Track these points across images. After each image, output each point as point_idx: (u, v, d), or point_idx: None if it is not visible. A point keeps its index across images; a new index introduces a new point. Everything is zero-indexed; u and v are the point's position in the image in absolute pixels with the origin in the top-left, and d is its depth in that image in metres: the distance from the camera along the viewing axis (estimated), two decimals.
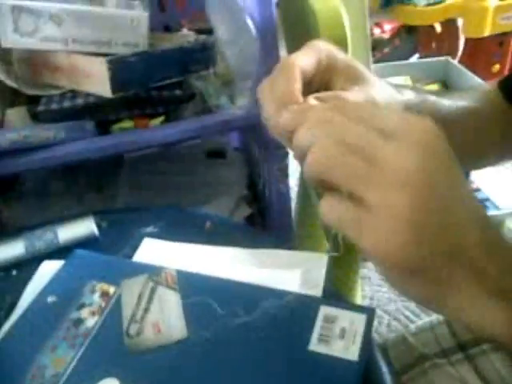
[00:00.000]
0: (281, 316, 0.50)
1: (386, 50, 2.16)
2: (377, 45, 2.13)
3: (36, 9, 0.72)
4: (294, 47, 0.39)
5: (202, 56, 0.81)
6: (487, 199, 1.57)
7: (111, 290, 0.54)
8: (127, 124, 0.80)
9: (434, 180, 0.27)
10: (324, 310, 0.50)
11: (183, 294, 0.53)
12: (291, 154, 0.34)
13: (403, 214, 0.27)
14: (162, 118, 0.82)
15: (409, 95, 0.46)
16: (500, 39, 1.92)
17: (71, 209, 0.95)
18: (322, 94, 0.37)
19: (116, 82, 0.72)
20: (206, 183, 1.04)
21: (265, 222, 1.04)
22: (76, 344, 0.49)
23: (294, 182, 1.16)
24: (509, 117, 0.52)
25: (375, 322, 0.57)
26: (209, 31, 0.84)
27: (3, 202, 0.98)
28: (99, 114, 0.79)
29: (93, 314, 0.52)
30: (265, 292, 0.53)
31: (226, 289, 0.54)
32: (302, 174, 0.95)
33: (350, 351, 0.46)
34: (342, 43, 0.79)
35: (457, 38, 1.99)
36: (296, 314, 0.50)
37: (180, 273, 0.55)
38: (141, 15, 0.79)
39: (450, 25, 1.96)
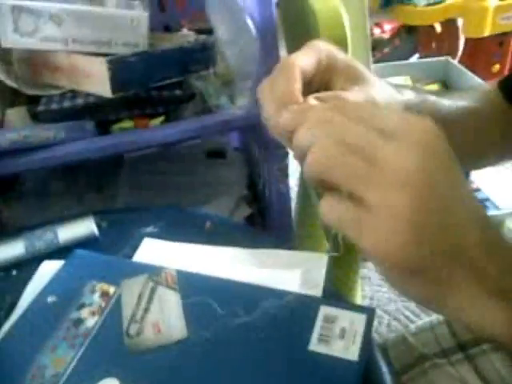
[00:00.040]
0: (281, 316, 0.50)
1: (386, 50, 2.16)
2: (377, 45, 2.13)
3: (36, 9, 0.72)
4: (294, 47, 0.39)
5: (201, 56, 0.81)
6: (487, 199, 1.57)
7: (111, 289, 0.54)
8: (127, 124, 0.80)
9: (433, 180, 0.27)
10: (324, 310, 0.50)
11: (183, 294, 0.53)
12: (291, 154, 0.34)
13: (403, 214, 0.27)
14: (161, 118, 0.82)
15: (409, 95, 0.46)
16: (500, 39, 1.92)
17: (71, 209, 0.95)
18: (321, 94, 0.37)
19: (116, 81, 0.72)
20: (206, 183, 1.04)
21: (265, 222, 1.04)
22: (76, 344, 0.49)
23: (294, 181, 1.16)
24: (509, 117, 0.52)
25: (375, 322, 0.57)
26: (209, 31, 0.84)
27: (3, 201, 0.98)
28: (99, 114, 0.79)
29: (93, 314, 0.52)
30: (265, 292, 0.53)
31: (226, 289, 0.54)
32: (302, 173, 0.95)
33: (350, 351, 0.46)
34: (341, 43, 0.79)
35: (457, 38, 1.99)
36: (296, 314, 0.50)
37: (180, 273, 0.55)
38: (141, 15, 0.79)
39: (449, 25, 1.96)
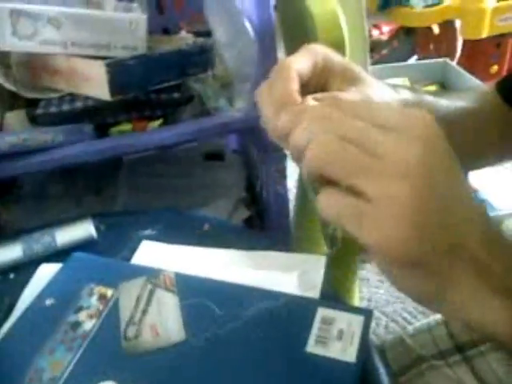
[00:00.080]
0: (278, 318, 0.50)
1: (385, 51, 2.16)
2: (375, 46, 2.13)
3: (34, 12, 0.72)
4: (292, 49, 0.39)
5: (200, 58, 0.82)
6: (484, 201, 1.57)
7: (109, 292, 0.54)
8: (126, 127, 0.80)
9: (434, 173, 0.28)
10: (321, 312, 0.50)
11: (181, 297, 0.53)
12: (289, 155, 0.34)
13: (404, 205, 0.27)
14: (160, 121, 0.82)
15: (406, 95, 0.46)
16: (498, 40, 1.93)
17: (69, 211, 0.95)
18: (319, 95, 0.37)
19: (115, 84, 0.73)
20: (204, 186, 1.04)
21: (263, 224, 1.04)
22: (74, 347, 0.49)
23: (292, 183, 1.16)
24: (507, 118, 0.52)
25: (373, 324, 0.57)
26: (207, 33, 0.85)
27: (1, 205, 0.98)
28: (98, 117, 0.79)
29: (91, 316, 0.52)
30: (262, 294, 0.53)
31: (224, 291, 0.54)
32: (300, 175, 0.95)
33: (348, 353, 0.46)
34: (339, 45, 0.79)
35: (455, 40, 1.99)
36: (293, 315, 0.50)
37: (178, 275, 0.56)
38: (139, 18, 0.79)
39: (447, 26, 1.96)
